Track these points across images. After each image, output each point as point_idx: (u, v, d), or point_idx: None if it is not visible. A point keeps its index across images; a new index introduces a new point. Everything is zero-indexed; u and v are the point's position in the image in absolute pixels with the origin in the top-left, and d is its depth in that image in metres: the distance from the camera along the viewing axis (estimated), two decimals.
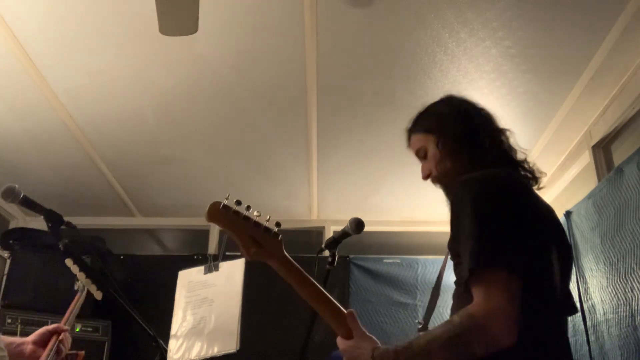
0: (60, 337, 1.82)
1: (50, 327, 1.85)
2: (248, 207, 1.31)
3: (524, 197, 1.33)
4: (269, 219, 1.34)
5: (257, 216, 1.32)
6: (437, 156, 1.52)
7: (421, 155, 1.58)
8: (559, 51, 2.50)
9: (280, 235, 1.34)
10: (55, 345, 1.80)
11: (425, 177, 1.57)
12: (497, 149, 1.49)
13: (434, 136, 1.54)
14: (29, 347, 1.80)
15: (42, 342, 1.81)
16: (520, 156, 1.51)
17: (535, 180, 1.50)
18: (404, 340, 1.22)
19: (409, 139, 1.65)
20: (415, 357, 1.17)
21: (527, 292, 1.16)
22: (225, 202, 1.29)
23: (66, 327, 1.86)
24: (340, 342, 1.31)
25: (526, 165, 1.50)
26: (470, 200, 1.25)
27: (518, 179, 1.42)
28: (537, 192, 1.47)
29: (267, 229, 1.33)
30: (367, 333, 1.30)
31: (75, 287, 2.00)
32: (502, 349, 1.11)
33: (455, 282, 1.36)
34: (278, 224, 1.35)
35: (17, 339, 1.83)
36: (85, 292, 2.00)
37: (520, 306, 1.13)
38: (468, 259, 1.19)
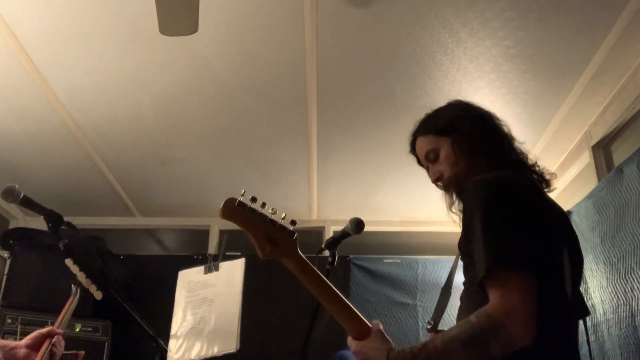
0: (54, 340, 1.81)
1: (44, 330, 1.84)
2: (263, 204, 1.29)
3: (536, 199, 1.33)
4: (284, 217, 1.32)
5: (272, 214, 1.30)
6: (452, 158, 1.50)
7: (431, 157, 1.55)
8: (559, 51, 2.49)
9: (296, 234, 1.33)
10: (49, 349, 1.79)
11: (435, 180, 1.55)
12: (512, 152, 1.49)
13: (449, 137, 1.51)
14: (22, 351, 1.78)
15: (35, 346, 1.80)
16: (530, 160, 1.51)
17: (547, 182, 1.49)
18: (419, 342, 1.21)
19: (414, 142, 1.61)
20: (434, 357, 1.16)
21: (541, 292, 1.16)
22: (241, 198, 1.27)
23: (59, 331, 1.85)
24: (352, 342, 1.29)
25: (537, 169, 1.50)
26: (483, 201, 1.25)
27: (531, 180, 1.41)
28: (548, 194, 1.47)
29: (282, 227, 1.31)
30: (385, 334, 1.28)
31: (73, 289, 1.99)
32: (519, 349, 1.11)
33: (464, 283, 1.35)
34: (293, 222, 1.33)
35: (10, 342, 1.82)
36: (78, 295, 1.98)
37: (536, 307, 1.13)
38: (483, 259, 1.18)
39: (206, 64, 2.65)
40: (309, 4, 2.29)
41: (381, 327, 1.30)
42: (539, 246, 1.20)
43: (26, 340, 1.81)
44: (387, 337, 1.28)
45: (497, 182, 1.30)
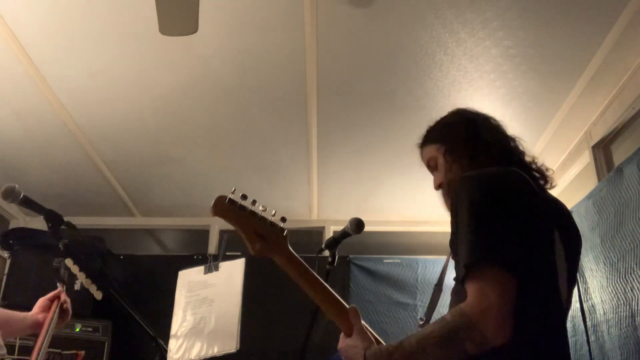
0: (62, 299, 1.85)
1: (49, 295, 1.92)
2: (254, 202, 1.32)
3: (523, 194, 1.30)
4: (274, 213, 1.34)
5: (262, 211, 1.32)
6: (445, 165, 1.53)
7: (432, 166, 1.59)
8: (559, 51, 2.49)
9: (286, 231, 1.34)
10: (58, 309, 1.84)
11: (437, 188, 1.58)
12: (501, 151, 1.49)
13: (441, 145, 1.55)
14: (33, 318, 1.87)
15: (44, 310, 1.89)
16: (527, 159, 1.50)
17: (545, 179, 1.48)
18: (397, 339, 1.21)
19: (421, 153, 1.65)
20: (409, 355, 1.16)
21: (524, 291, 1.15)
22: (231, 196, 1.30)
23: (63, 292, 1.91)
24: (340, 339, 1.31)
25: (534, 167, 1.49)
26: (467, 198, 1.25)
27: (518, 175, 1.38)
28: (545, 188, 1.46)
29: (272, 224, 1.33)
30: (368, 330, 1.29)
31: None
32: (494, 347, 1.10)
33: (455, 279, 1.36)
34: (283, 219, 1.35)
35: (16, 314, 1.88)
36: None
37: (516, 305, 1.12)
38: (463, 256, 1.19)
39: (206, 64, 2.65)
40: (309, 3, 2.29)
41: (365, 324, 1.30)
42: (523, 243, 1.19)
43: (35, 309, 1.88)
44: (370, 334, 1.29)
45: (481, 179, 1.30)
